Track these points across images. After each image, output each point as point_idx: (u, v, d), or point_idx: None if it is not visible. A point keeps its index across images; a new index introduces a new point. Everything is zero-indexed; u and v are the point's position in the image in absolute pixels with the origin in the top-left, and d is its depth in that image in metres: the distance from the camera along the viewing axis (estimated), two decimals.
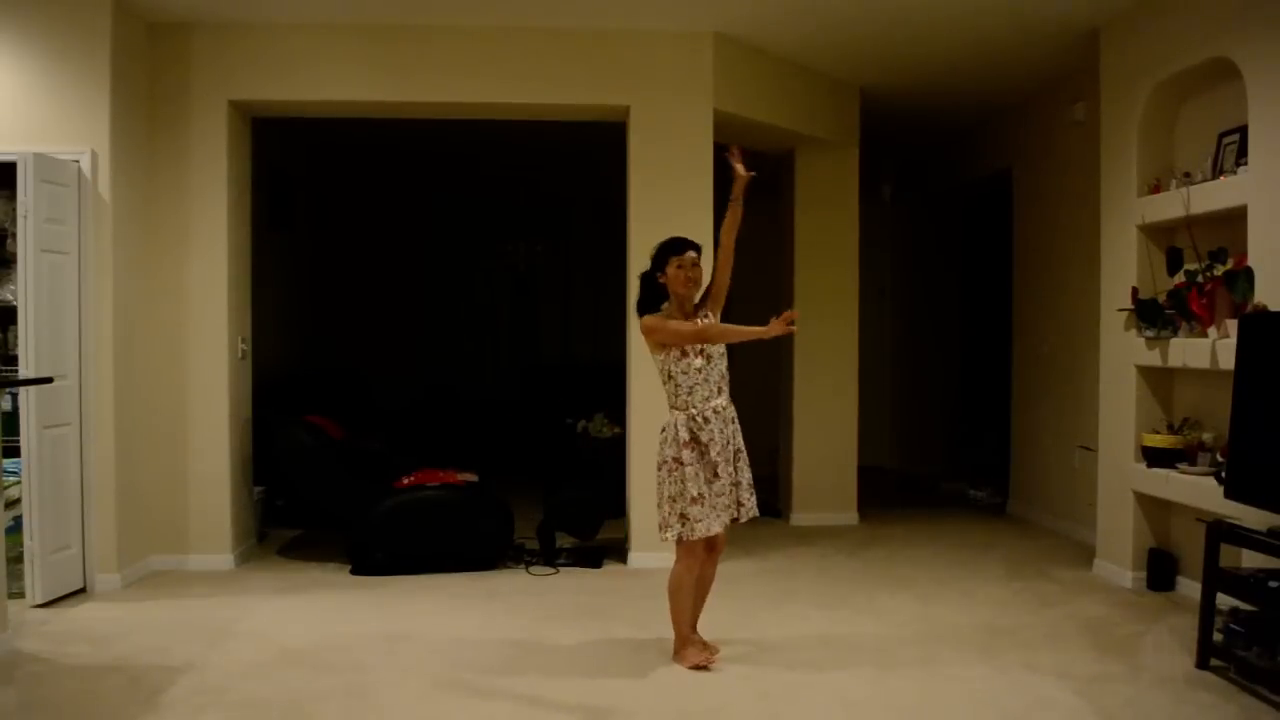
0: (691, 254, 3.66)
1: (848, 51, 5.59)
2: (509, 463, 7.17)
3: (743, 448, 3.73)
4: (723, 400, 3.67)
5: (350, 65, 5.10)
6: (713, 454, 3.59)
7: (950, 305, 8.30)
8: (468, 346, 9.66)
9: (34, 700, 3.29)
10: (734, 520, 3.67)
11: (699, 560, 3.67)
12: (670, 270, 3.66)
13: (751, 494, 3.73)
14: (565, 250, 9.68)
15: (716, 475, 3.60)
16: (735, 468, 3.68)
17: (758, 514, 3.75)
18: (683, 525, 3.59)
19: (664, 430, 3.68)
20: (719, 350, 3.68)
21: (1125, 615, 4.31)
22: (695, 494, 3.56)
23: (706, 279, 3.77)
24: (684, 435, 3.60)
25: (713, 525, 3.57)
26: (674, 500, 3.60)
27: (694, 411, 3.61)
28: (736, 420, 3.74)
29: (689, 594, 3.70)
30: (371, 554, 5.05)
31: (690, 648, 3.70)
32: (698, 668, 3.63)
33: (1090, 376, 5.36)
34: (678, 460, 3.59)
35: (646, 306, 3.72)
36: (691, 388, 3.62)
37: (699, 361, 3.61)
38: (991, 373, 7.40)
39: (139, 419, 4.94)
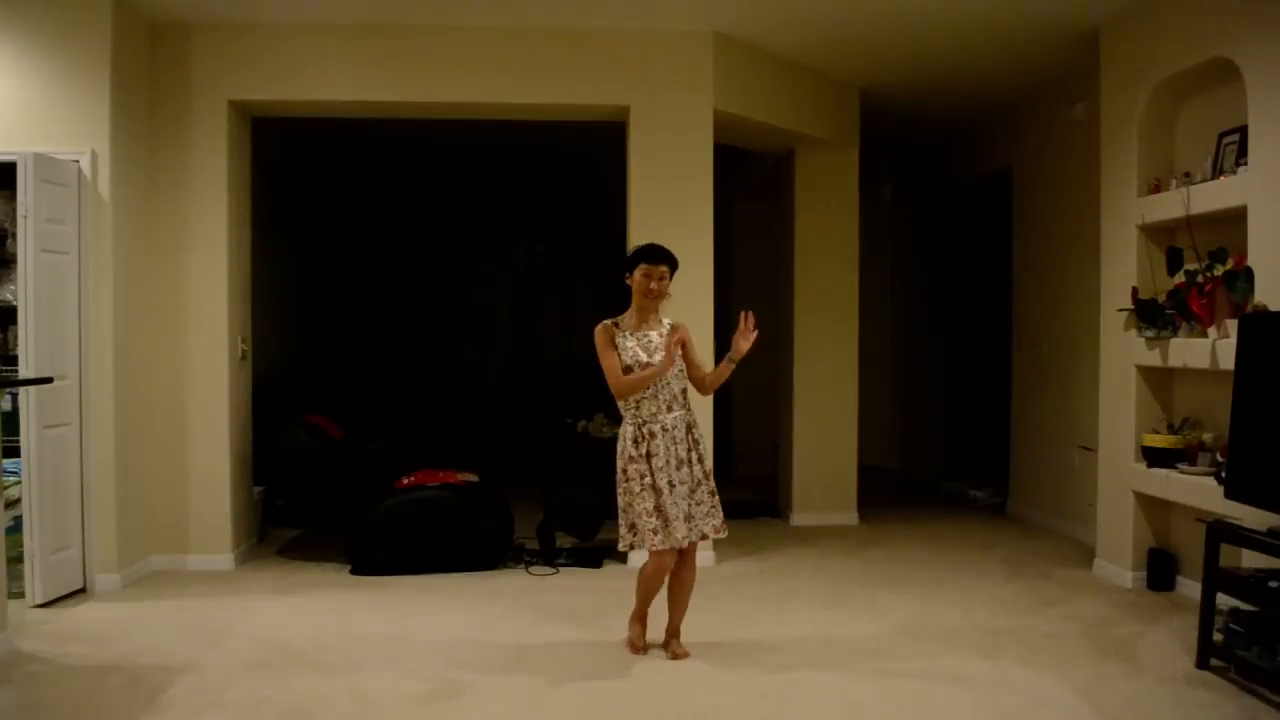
0: (663, 267, 3.61)
1: (848, 51, 5.58)
2: (509, 463, 7.17)
3: (705, 474, 3.65)
4: (672, 417, 3.60)
5: (350, 65, 5.10)
6: (657, 468, 3.54)
7: (950, 305, 8.29)
8: (468, 346, 9.67)
9: (34, 700, 3.29)
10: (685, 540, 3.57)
11: (667, 562, 3.65)
12: (637, 275, 3.64)
13: (710, 517, 3.64)
14: (565, 250, 9.69)
15: (670, 488, 3.55)
16: (689, 487, 3.60)
17: (719, 536, 3.69)
18: (634, 535, 3.61)
19: (619, 440, 3.67)
20: (673, 367, 3.60)
21: (1125, 615, 4.31)
22: (645, 507, 3.55)
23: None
24: (630, 448, 3.59)
25: (666, 539, 3.54)
26: (624, 512, 3.62)
27: (640, 423, 3.60)
28: (696, 438, 3.66)
29: (648, 586, 3.74)
30: (371, 554, 5.05)
31: (635, 625, 3.81)
32: (629, 645, 3.78)
33: (1090, 376, 5.36)
34: (624, 472, 3.60)
35: (617, 308, 3.74)
36: (639, 401, 3.60)
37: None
38: (991, 372, 7.40)
39: (139, 419, 4.94)
